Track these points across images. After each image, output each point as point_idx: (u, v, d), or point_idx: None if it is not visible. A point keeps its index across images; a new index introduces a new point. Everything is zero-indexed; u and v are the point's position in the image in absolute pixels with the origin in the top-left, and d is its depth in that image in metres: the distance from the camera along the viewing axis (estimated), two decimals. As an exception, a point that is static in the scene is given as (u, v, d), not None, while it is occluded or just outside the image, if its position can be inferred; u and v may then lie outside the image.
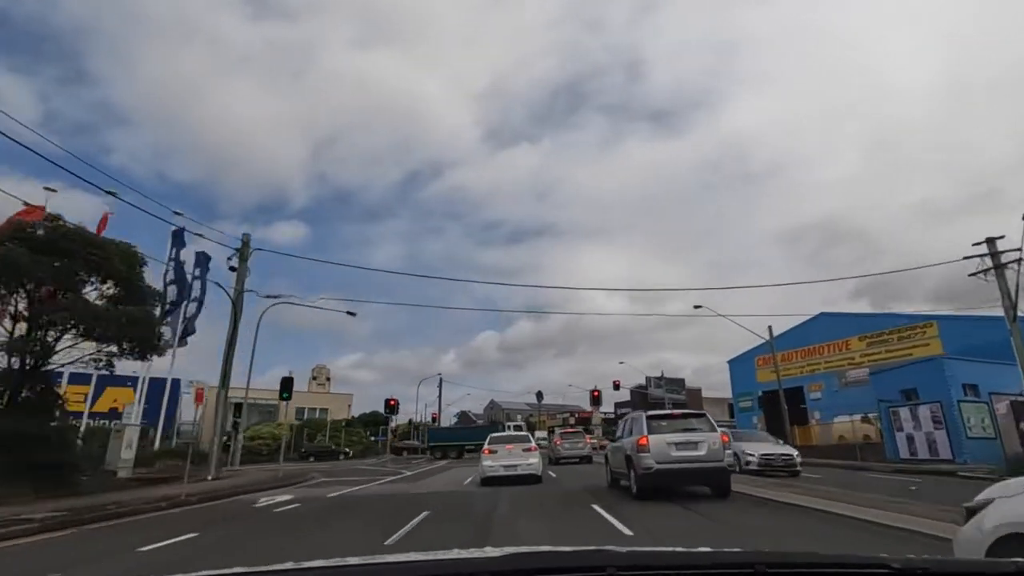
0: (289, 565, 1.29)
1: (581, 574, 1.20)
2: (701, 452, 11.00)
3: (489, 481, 15.51)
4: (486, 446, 16.78)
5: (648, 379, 66.84)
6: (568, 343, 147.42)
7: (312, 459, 47.20)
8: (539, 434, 39.16)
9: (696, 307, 37.43)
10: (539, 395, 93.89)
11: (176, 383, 59.15)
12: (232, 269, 21.47)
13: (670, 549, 1.45)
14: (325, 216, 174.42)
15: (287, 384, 22.05)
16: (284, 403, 78.04)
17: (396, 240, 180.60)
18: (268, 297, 22.83)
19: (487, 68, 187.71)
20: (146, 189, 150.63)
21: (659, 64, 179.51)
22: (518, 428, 43.21)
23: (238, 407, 33.02)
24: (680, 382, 68.63)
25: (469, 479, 18.63)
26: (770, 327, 37.75)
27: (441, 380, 66.97)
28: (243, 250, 21.39)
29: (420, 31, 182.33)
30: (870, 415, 30.04)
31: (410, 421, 61.27)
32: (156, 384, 59.70)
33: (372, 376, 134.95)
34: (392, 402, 33.31)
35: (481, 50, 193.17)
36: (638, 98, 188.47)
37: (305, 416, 74.14)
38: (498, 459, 15.99)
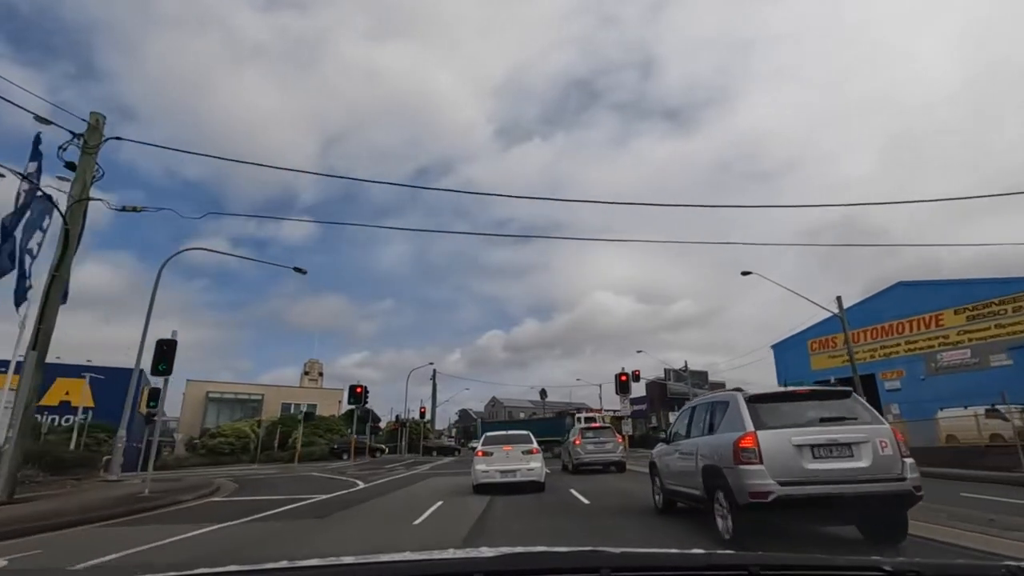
0: (284, 564, 1.29)
1: (575, 575, 1.21)
2: (861, 462, 5.89)
3: (483, 488, 13.06)
4: (479, 447, 14.36)
5: (667, 371, 58.54)
6: (574, 343, 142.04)
7: (345, 456, 42.93)
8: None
9: (745, 273, 29.66)
10: (542, 392, 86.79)
11: (136, 373, 51.03)
12: (69, 167, 13.35)
13: (664, 551, 1.50)
14: (335, 213, 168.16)
15: (164, 351, 13.88)
16: (262, 396, 67.66)
17: (403, 238, 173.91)
18: (125, 210, 14.61)
19: (501, 62, 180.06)
20: (155, 186, 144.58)
21: (672, 61, 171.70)
22: (590, 420, 34.02)
23: (154, 394, 24.64)
24: (703, 375, 60.33)
25: (431, 509, 10.40)
26: (839, 298, 29.48)
27: (435, 372, 58.84)
28: (89, 137, 13.26)
29: (434, 22, 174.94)
30: (1000, 407, 21.71)
31: (397, 418, 53.05)
32: (115, 375, 50.59)
33: (377, 375, 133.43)
34: (359, 389, 25.20)
35: (495, 43, 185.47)
36: (651, 95, 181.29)
37: (291, 411, 66.56)
38: (493, 462, 13.49)
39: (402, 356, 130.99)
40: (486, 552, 1.34)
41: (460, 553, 1.46)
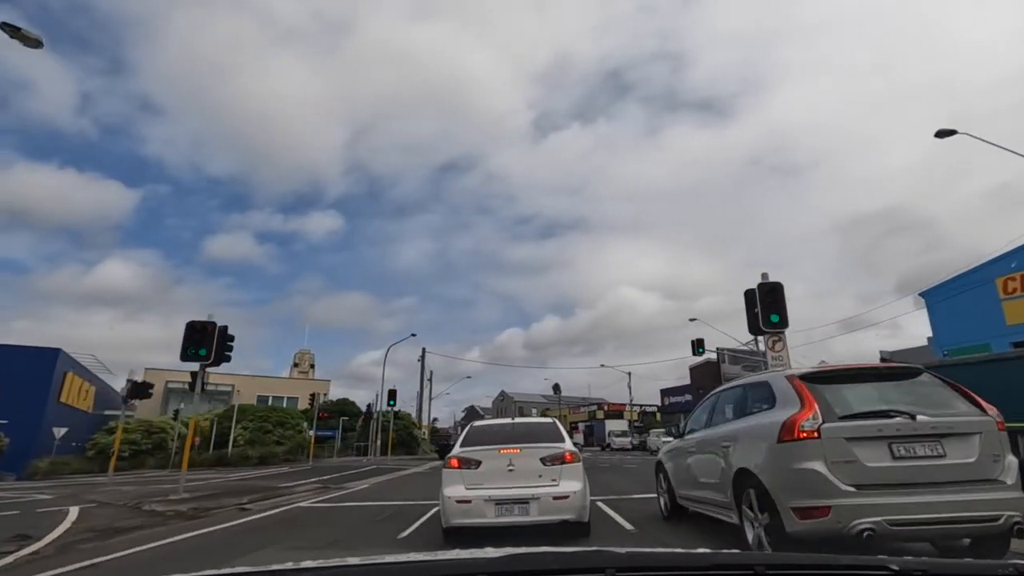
0: (288, 565, 1.25)
1: (580, 574, 1.18)
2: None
3: (459, 534, 5.84)
4: (456, 451, 6.26)
5: (720, 352, 44.23)
6: (595, 340, 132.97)
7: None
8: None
9: (944, 133, 16.38)
10: (556, 387, 75.53)
11: (51, 355, 38.38)
12: None
13: (670, 550, 1.44)
14: (359, 209, 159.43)
15: None
16: (237, 388, 52.19)
17: (427, 235, 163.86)
18: None
19: (543, 47, 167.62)
20: (183, 180, 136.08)
21: (706, 50, 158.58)
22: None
23: None
24: (763, 355, 46.10)
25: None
26: None
27: (424, 352, 45.22)
28: None
29: (475, 2, 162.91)
30: None
31: (368, 407, 39.41)
32: (22, 357, 36.60)
33: (398, 373, 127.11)
34: (211, 329, 11.73)
35: (538, 26, 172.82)
36: (684, 86, 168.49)
37: (270, 403, 54.22)
38: (482, 481, 5.88)
39: (426, 355, 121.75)
40: (491, 552, 1.28)
41: (465, 553, 1.34)
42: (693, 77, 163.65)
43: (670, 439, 7.43)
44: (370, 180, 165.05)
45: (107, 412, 48.94)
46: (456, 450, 6.13)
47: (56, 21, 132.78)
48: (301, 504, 10.63)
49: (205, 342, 12.05)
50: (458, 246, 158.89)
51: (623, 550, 1.23)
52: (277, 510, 9.76)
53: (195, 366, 12.68)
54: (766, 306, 10.24)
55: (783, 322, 10.17)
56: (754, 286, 10.62)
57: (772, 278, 10.50)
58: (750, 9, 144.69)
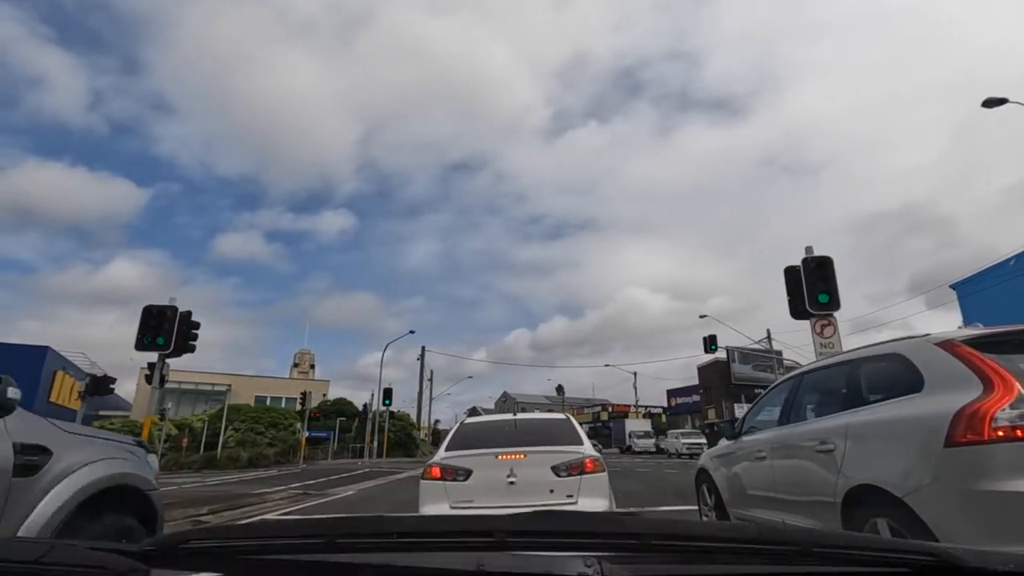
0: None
1: (609, 539, 1.05)
2: None
3: None
4: (438, 457, 4.67)
5: (730, 351, 42.58)
6: (602, 341, 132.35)
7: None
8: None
9: (992, 102, 14.73)
10: (559, 388, 74.30)
11: (38, 353, 37.05)
12: None
13: (709, 521, 1.31)
14: (369, 208, 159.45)
15: None
16: (233, 388, 50.15)
17: (435, 235, 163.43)
18: None
19: (560, 43, 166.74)
20: (194, 180, 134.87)
21: (720, 49, 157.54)
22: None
23: None
24: (777, 355, 44.39)
25: None
26: None
27: (423, 351, 43.72)
28: None
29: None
30: None
31: (365, 407, 37.91)
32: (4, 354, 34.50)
33: (404, 374, 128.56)
34: (169, 314, 10.19)
35: (554, 22, 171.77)
36: (696, 85, 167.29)
37: (268, 403, 53.24)
38: (472, 498, 4.28)
39: (428, 355, 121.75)
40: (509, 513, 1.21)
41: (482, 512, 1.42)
42: (706, 76, 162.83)
43: (700, 440, 5.86)
44: (381, 179, 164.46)
45: (101, 412, 47.72)
46: (439, 455, 4.60)
47: (69, 19, 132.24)
48: (268, 516, 9.11)
49: (164, 329, 10.53)
50: (466, 246, 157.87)
51: (655, 518, 1.17)
52: (235, 524, 8.22)
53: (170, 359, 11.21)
54: (813, 284, 8.65)
55: (834, 302, 8.56)
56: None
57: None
58: (763, 7, 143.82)
